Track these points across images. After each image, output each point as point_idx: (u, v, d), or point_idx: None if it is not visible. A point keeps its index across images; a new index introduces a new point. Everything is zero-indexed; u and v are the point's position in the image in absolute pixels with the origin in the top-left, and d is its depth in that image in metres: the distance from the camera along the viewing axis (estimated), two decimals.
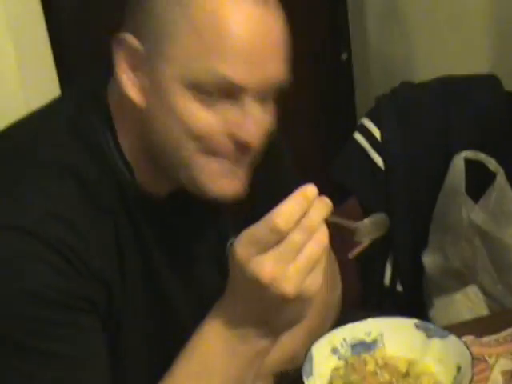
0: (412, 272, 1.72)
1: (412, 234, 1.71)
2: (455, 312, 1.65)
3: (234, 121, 0.85)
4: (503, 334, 1.03)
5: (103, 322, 0.86)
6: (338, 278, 1.18)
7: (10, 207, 0.84)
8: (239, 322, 0.80)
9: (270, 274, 0.75)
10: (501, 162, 1.64)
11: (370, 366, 0.93)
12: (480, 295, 1.64)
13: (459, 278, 1.66)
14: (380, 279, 1.74)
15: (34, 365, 0.81)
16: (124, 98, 0.88)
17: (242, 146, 0.86)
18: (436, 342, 0.93)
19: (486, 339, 1.02)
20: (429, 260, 1.68)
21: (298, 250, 0.75)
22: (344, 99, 2.69)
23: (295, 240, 0.75)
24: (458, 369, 0.89)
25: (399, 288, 1.74)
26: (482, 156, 1.64)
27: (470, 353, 0.88)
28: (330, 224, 0.78)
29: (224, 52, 0.82)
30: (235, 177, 0.88)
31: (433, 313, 1.68)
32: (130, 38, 0.86)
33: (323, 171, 1.65)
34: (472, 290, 1.65)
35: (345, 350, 0.95)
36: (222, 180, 0.88)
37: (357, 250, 1.62)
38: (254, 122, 0.85)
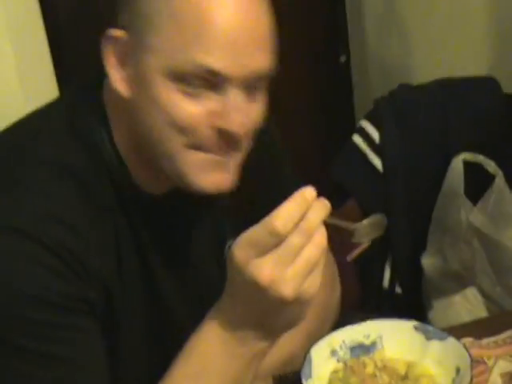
0: (411, 274, 1.72)
1: (411, 236, 1.71)
2: (454, 314, 1.65)
3: (218, 112, 0.84)
4: (502, 336, 1.03)
5: (102, 323, 0.86)
6: (337, 280, 1.18)
7: (10, 208, 0.84)
8: (237, 324, 0.80)
9: (269, 277, 0.75)
10: (500, 164, 1.64)
11: (369, 369, 0.93)
12: (479, 297, 1.64)
13: (458, 280, 1.66)
14: (379, 281, 1.73)
15: (33, 366, 0.81)
16: (115, 93, 0.88)
17: (225, 137, 0.85)
18: (435, 344, 0.93)
19: (485, 341, 1.02)
20: (428, 262, 1.68)
21: (297, 252, 0.75)
22: (343, 101, 2.70)
23: (294, 243, 0.75)
24: (457, 371, 0.89)
25: (398, 290, 1.74)
26: (480, 158, 1.64)
27: (469, 355, 0.88)
28: (328, 226, 0.78)
29: (207, 42, 0.81)
30: (222, 170, 0.87)
31: (432, 315, 1.68)
32: (117, 32, 0.86)
33: (322, 173, 1.64)
34: (471, 292, 1.65)
35: (344, 353, 0.95)
36: (208, 173, 0.87)
37: (356, 252, 1.62)
38: (238, 112, 0.84)
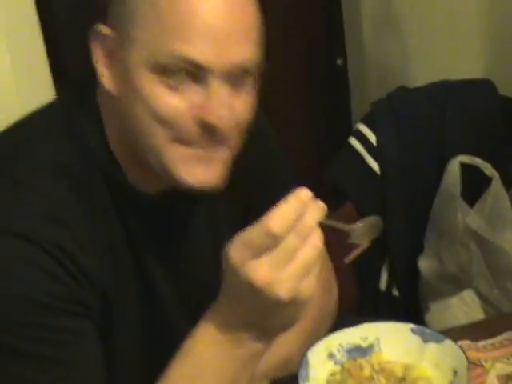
0: (408, 276, 1.72)
1: (408, 238, 1.71)
2: (451, 316, 1.65)
3: (201, 104, 0.83)
4: (499, 338, 1.03)
5: (98, 325, 0.86)
6: (334, 282, 1.18)
7: (6, 209, 0.84)
8: (233, 326, 0.80)
9: (265, 278, 0.74)
10: (496, 167, 1.64)
11: (367, 371, 0.93)
12: (476, 299, 1.65)
13: (455, 283, 1.66)
14: (376, 284, 1.74)
15: (27, 369, 0.81)
16: (106, 92, 0.88)
17: (208, 130, 0.84)
18: (432, 347, 0.93)
19: (482, 343, 1.02)
20: (425, 264, 1.68)
21: (293, 253, 0.75)
22: (340, 104, 2.70)
23: (289, 244, 0.75)
24: (455, 373, 0.89)
25: (395, 292, 1.74)
26: (477, 160, 1.65)
27: (466, 357, 0.88)
28: (325, 228, 0.78)
29: (187, 33, 0.81)
30: (208, 165, 0.86)
31: (429, 317, 1.68)
32: (103, 28, 0.86)
33: (319, 176, 1.65)
34: (468, 295, 1.65)
35: (341, 355, 0.95)
36: (193, 167, 0.86)
37: (353, 255, 1.62)
38: (221, 104, 0.83)
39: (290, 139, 1.85)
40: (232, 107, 0.85)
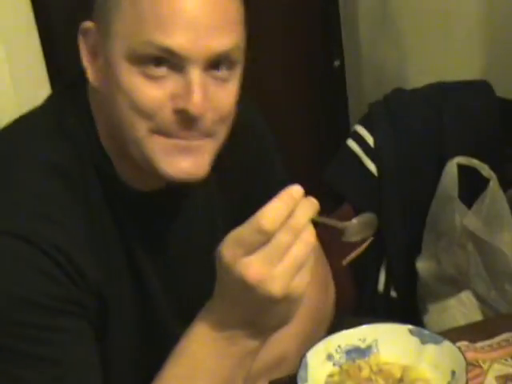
0: (406, 278, 1.72)
1: (405, 239, 1.71)
2: (449, 318, 1.65)
3: (180, 93, 0.83)
4: (497, 339, 1.03)
5: (93, 325, 0.86)
6: (331, 282, 1.18)
7: (1, 211, 0.84)
8: (227, 324, 0.80)
9: (257, 275, 0.74)
10: (494, 168, 1.64)
11: (365, 372, 0.93)
12: (474, 301, 1.65)
13: (453, 284, 1.66)
14: (374, 285, 1.74)
15: (24, 369, 0.81)
16: (93, 87, 0.89)
17: (186, 118, 0.83)
18: (430, 348, 0.93)
19: (480, 345, 1.02)
20: (422, 266, 1.68)
21: (285, 250, 0.75)
22: (337, 106, 2.70)
23: (281, 241, 0.75)
24: (453, 374, 0.89)
25: (393, 294, 1.74)
26: (474, 162, 1.65)
27: (465, 358, 0.88)
28: (320, 228, 0.78)
29: (163, 22, 0.81)
30: (189, 156, 0.86)
31: (427, 318, 1.68)
32: (89, 24, 0.87)
33: (317, 178, 1.65)
34: (466, 296, 1.65)
35: (339, 357, 0.95)
36: (174, 158, 0.86)
37: (351, 257, 1.62)
38: (198, 92, 0.82)
39: (288, 141, 1.85)
40: (214, 98, 0.85)
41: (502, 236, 1.59)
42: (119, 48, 0.83)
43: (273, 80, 2.52)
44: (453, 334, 1.00)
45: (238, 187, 1.05)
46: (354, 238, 0.85)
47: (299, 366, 0.90)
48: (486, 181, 1.62)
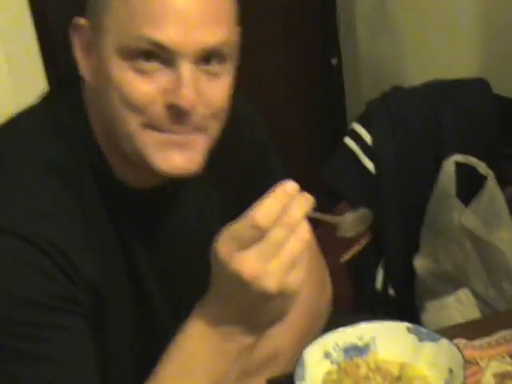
0: (404, 276, 1.72)
1: (403, 237, 1.71)
2: (447, 315, 1.65)
3: (170, 88, 0.83)
4: (495, 336, 1.03)
5: (90, 323, 0.86)
6: (328, 279, 1.18)
7: None
8: (222, 320, 0.80)
9: (252, 271, 0.74)
10: (491, 166, 1.65)
11: (363, 370, 0.93)
12: (471, 298, 1.65)
13: (451, 282, 1.66)
14: (372, 283, 1.74)
15: (21, 367, 0.81)
16: (86, 83, 0.89)
17: (177, 113, 0.83)
18: (428, 346, 0.93)
19: (477, 342, 1.02)
20: (420, 264, 1.68)
21: (279, 246, 0.75)
22: (335, 104, 2.70)
23: (276, 236, 0.75)
24: (450, 372, 0.89)
25: (391, 292, 1.74)
26: (472, 160, 1.65)
27: (463, 356, 0.88)
28: (318, 226, 0.78)
29: (153, 16, 0.80)
30: (181, 151, 0.86)
31: (425, 316, 1.69)
32: (81, 21, 0.87)
33: (314, 176, 1.65)
34: (463, 294, 1.66)
35: (337, 355, 0.95)
36: (166, 153, 0.85)
37: (348, 255, 1.62)
38: (188, 86, 0.82)
39: (285, 139, 1.85)
40: (205, 93, 0.84)
41: (500, 234, 1.60)
42: (110, 43, 0.83)
43: (271, 78, 2.52)
44: (450, 332, 1.00)
45: (233, 184, 1.05)
46: (349, 233, 0.85)
47: (297, 364, 0.90)
48: (484, 179, 1.62)
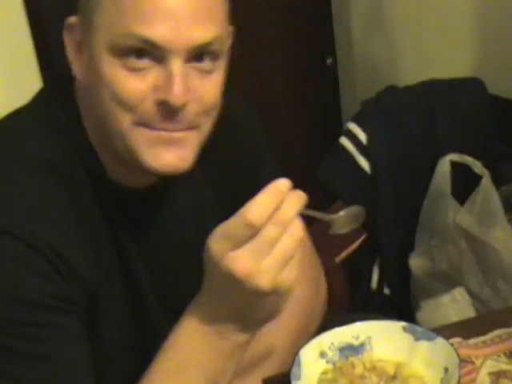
0: (399, 275, 1.72)
1: (398, 237, 1.71)
2: (442, 314, 1.65)
3: (161, 85, 0.83)
4: (490, 335, 1.03)
5: (85, 322, 0.86)
6: (322, 278, 1.18)
7: None
8: (216, 317, 0.81)
9: (245, 269, 0.75)
10: (486, 165, 1.65)
11: (358, 369, 0.93)
12: (467, 297, 1.65)
13: (446, 281, 1.66)
14: (367, 283, 1.74)
15: (16, 366, 0.81)
16: (80, 83, 0.89)
17: (167, 109, 0.83)
18: (423, 345, 0.93)
19: (473, 341, 1.02)
20: (415, 263, 1.68)
21: (272, 243, 0.75)
22: (330, 104, 2.70)
23: (269, 234, 0.75)
24: (446, 371, 0.89)
25: (386, 291, 1.74)
26: (467, 159, 1.65)
27: (458, 355, 0.88)
28: (314, 228, 0.78)
29: (143, 13, 0.80)
30: (173, 148, 0.86)
31: (420, 315, 1.69)
32: (72, 19, 0.87)
33: (309, 176, 1.65)
34: (459, 293, 1.66)
35: (333, 354, 0.95)
36: (157, 151, 0.85)
37: (344, 254, 1.62)
38: (178, 82, 0.82)
39: (281, 138, 1.85)
40: (197, 89, 0.84)
41: (495, 233, 1.60)
42: (101, 41, 0.83)
43: (265, 78, 2.52)
44: (446, 331, 1.00)
45: (227, 183, 1.05)
46: (342, 231, 0.85)
47: (292, 363, 0.90)
48: (479, 178, 1.62)
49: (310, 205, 0.79)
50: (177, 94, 0.82)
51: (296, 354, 0.91)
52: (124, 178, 0.93)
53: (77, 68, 0.88)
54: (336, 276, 1.57)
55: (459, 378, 0.86)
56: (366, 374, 0.93)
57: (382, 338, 0.96)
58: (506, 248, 1.59)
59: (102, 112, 0.86)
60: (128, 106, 0.84)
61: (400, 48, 2.34)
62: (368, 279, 1.74)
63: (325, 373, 0.94)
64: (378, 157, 1.69)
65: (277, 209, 0.75)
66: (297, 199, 0.76)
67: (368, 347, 0.96)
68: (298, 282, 0.79)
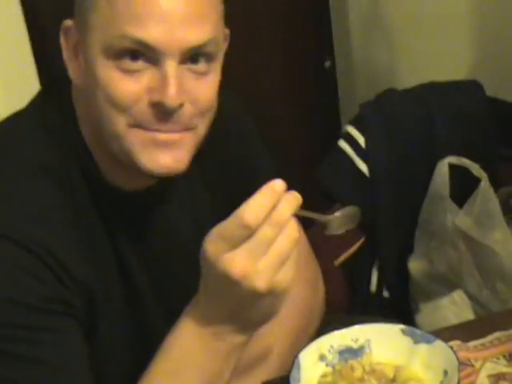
0: (398, 278, 1.72)
1: (397, 239, 1.71)
2: (441, 317, 1.65)
3: (156, 86, 0.83)
4: (489, 338, 1.03)
5: (83, 324, 0.86)
6: (320, 280, 1.18)
7: None
8: (213, 319, 0.81)
9: (241, 270, 0.75)
10: (485, 167, 1.65)
11: (358, 372, 0.93)
12: (466, 300, 1.65)
13: (445, 283, 1.66)
14: (366, 285, 1.74)
15: (12, 370, 0.81)
16: (76, 86, 0.89)
17: (162, 111, 0.83)
18: (423, 348, 0.93)
19: (472, 344, 1.02)
20: (414, 265, 1.68)
21: (268, 244, 0.75)
22: (328, 107, 2.71)
23: (265, 235, 0.75)
24: (445, 374, 0.89)
25: (385, 294, 1.74)
26: (466, 161, 1.65)
27: (457, 358, 0.88)
28: (313, 231, 0.78)
29: (137, 14, 0.80)
30: (168, 149, 0.86)
31: (419, 318, 1.69)
32: (69, 22, 0.87)
33: (308, 179, 1.65)
34: (458, 295, 1.66)
35: (332, 357, 0.95)
36: (153, 152, 0.85)
37: (343, 257, 1.62)
38: (173, 84, 0.82)
39: (279, 141, 1.85)
40: (193, 91, 0.85)
41: (494, 235, 1.60)
42: (96, 43, 0.83)
43: (264, 80, 2.52)
44: (445, 334, 1.00)
45: (223, 184, 1.05)
46: (338, 232, 0.85)
47: (292, 366, 0.90)
48: (478, 180, 1.62)
49: (309, 206, 0.79)
50: (171, 95, 0.82)
51: (295, 356, 0.91)
52: (120, 180, 0.93)
53: (72, 70, 0.88)
54: (335, 278, 1.58)
55: (459, 380, 0.86)
56: (366, 376, 0.93)
57: (382, 341, 0.96)
58: (505, 250, 1.59)
59: (97, 114, 0.86)
60: (122, 108, 0.84)
61: (399, 51, 2.35)
62: (367, 282, 1.74)
63: (324, 376, 0.94)
64: (376, 160, 1.69)
65: (272, 210, 0.75)
66: (292, 200, 0.76)
67: (367, 350, 0.96)
68: (294, 283, 0.79)
